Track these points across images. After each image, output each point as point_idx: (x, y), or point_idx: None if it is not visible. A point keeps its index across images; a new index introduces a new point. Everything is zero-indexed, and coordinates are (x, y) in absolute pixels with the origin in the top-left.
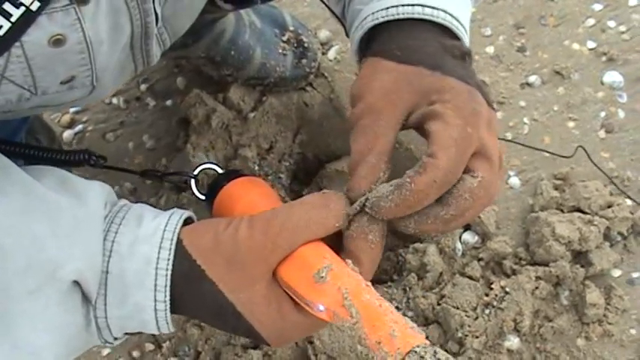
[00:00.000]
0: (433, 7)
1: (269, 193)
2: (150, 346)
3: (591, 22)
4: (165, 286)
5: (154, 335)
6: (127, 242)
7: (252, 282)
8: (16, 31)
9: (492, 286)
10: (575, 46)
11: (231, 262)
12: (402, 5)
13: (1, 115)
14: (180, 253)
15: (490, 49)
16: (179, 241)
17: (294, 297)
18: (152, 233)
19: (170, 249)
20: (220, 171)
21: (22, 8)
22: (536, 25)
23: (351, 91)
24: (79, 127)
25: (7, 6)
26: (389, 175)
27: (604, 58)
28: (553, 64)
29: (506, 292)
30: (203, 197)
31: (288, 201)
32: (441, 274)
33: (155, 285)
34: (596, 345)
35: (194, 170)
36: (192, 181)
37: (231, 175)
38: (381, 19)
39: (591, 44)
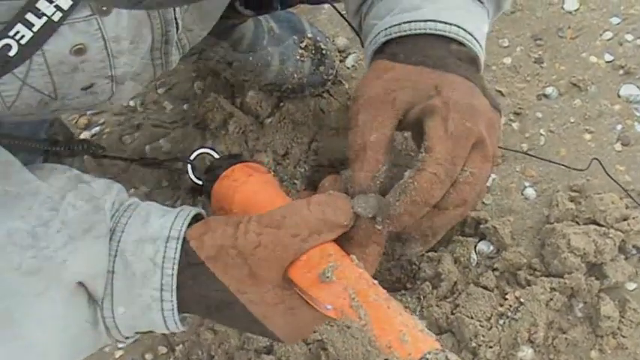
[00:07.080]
0: (446, 23)
1: (269, 180)
2: (163, 349)
3: (609, 35)
4: (172, 285)
5: (167, 338)
6: (133, 241)
7: (262, 284)
8: (37, 41)
9: (507, 296)
10: (593, 58)
11: (241, 266)
12: (415, 21)
13: (21, 117)
14: (188, 254)
15: (507, 60)
16: (186, 242)
17: (302, 295)
18: (158, 232)
19: (176, 249)
20: (217, 156)
21: (44, 18)
22: (554, 37)
23: (353, 93)
24: (96, 128)
25: (29, 16)
26: (388, 167)
27: (621, 72)
28: (570, 77)
29: (521, 303)
30: (200, 182)
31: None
32: (455, 283)
33: (161, 285)
34: (610, 358)
35: (190, 156)
36: (189, 167)
37: (229, 160)
38: (394, 35)
39: (608, 57)
